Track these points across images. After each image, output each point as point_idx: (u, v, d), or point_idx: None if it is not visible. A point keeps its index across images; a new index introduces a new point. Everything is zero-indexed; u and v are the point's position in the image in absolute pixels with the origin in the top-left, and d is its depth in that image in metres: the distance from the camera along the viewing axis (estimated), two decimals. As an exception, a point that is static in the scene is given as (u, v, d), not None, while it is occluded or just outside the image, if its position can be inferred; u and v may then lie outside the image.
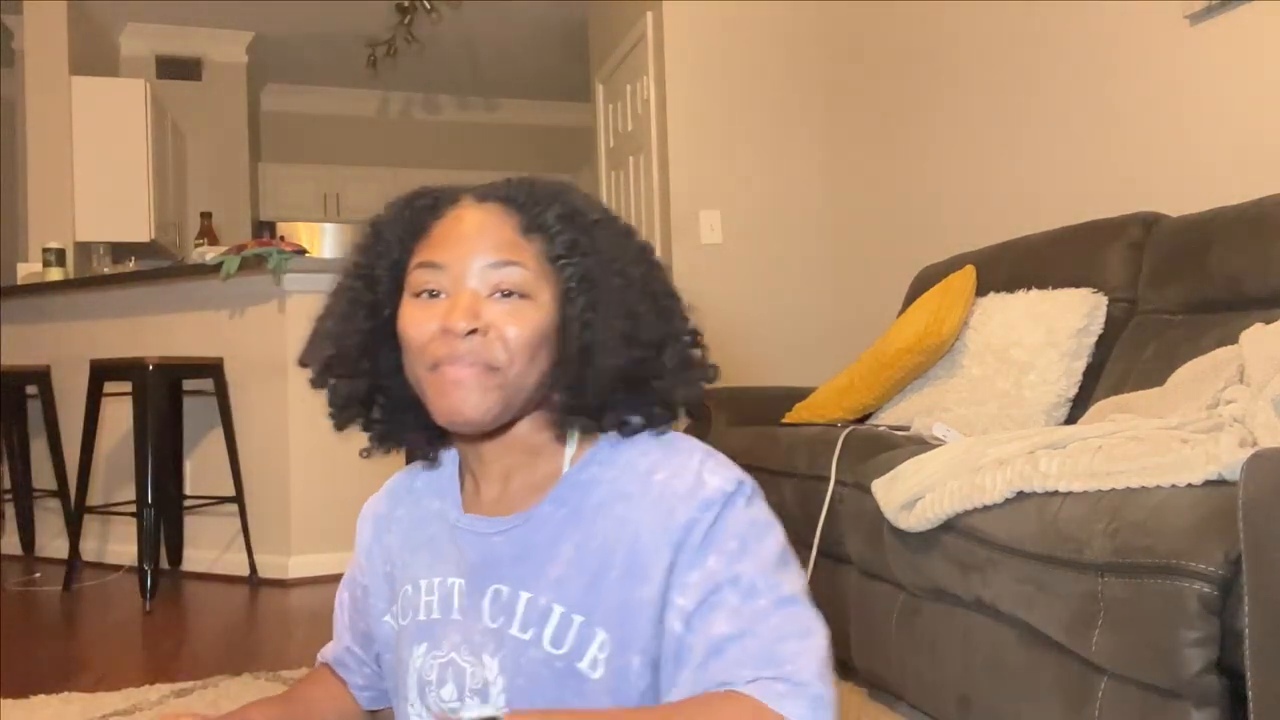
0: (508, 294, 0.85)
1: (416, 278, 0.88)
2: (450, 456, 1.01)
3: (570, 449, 0.92)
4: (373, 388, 0.93)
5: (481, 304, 0.85)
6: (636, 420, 0.90)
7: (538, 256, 0.87)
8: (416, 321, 0.86)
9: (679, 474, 0.87)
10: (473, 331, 0.84)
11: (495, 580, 0.90)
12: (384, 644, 1.03)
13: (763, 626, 0.81)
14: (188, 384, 3.65)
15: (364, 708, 1.13)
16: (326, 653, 1.16)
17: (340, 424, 0.97)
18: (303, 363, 0.95)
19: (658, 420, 0.91)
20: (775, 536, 0.87)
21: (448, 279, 0.86)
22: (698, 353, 0.93)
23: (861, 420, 2.48)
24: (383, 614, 1.02)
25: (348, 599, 1.11)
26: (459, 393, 0.85)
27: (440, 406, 0.86)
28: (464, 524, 0.94)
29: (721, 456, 0.91)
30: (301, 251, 3.60)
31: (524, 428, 0.91)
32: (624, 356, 0.86)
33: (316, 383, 0.95)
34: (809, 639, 0.82)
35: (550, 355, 0.88)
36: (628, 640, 0.85)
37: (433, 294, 0.86)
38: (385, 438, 0.97)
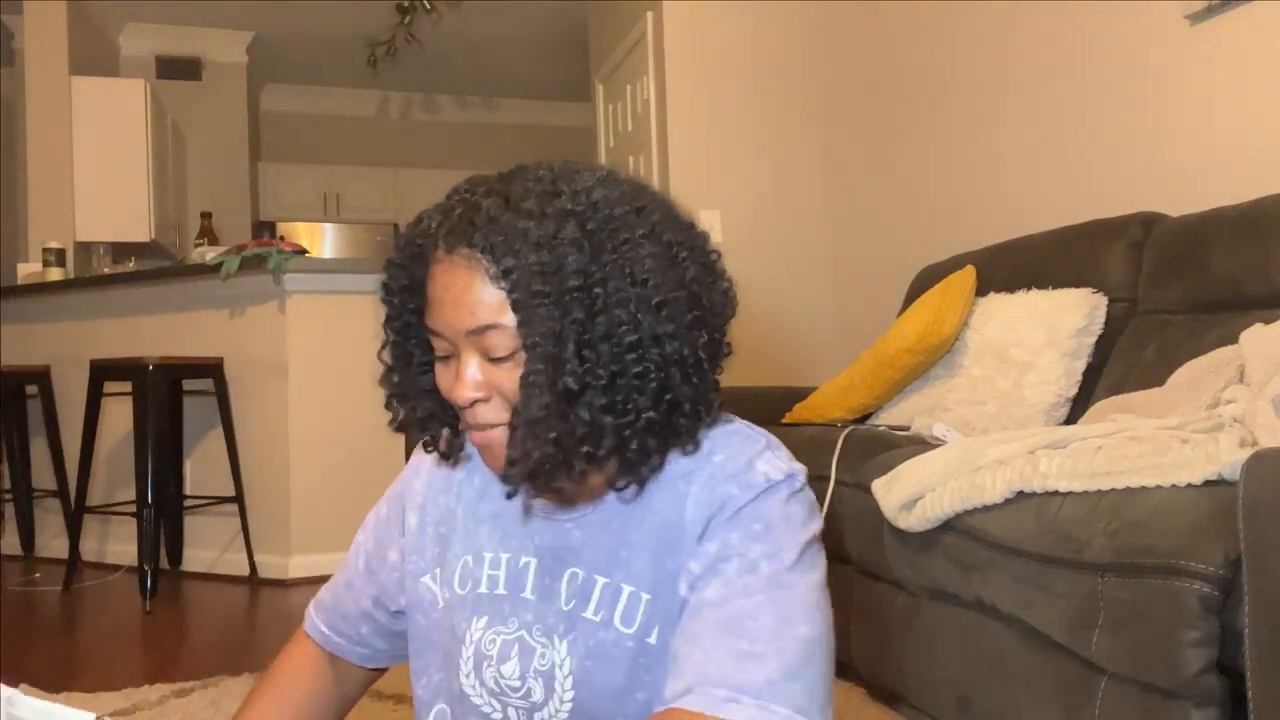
0: (496, 357, 0.81)
1: (431, 340, 0.86)
2: None
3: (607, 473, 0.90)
4: (447, 417, 0.92)
5: (484, 366, 0.82)
6: (670, 447, 0.86)
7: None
8: (441, 383, 0.86)
9: (734, 457, 0.87)
10: (477, 400, 0.82)
11: (571, 564, 0.90)
12: (416, 605, 0.99)
13: (740, 601, 0.81)
14: (188, 384, 3.65)
15: (366, 666, 1.10)
16: (321, 616, 1.10)
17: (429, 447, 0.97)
18: (392, 424, 0.94)
19: (685, 435, 0.86)
20: (805, 533, 0.86)
21: (448, 344, 0.84)
22: (705, 367, 0.84)
23: (861, 420, 2.48)
24: (423, 574, 0.99)
25: (377, 556, 1.05)
26: (489, 454, 0.85)
27: (485, 461, 0.87)
28: (537, 508, 0.92)
29: (783, 450, 0.90)
30: (301, 251, 3.60)
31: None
32: (545, 423, 0.79)
33: (394, 419, 0.94)
34: (787, 625, 0.80)
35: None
36: (670, 609, 0.86)
37: (445, 358, 0.85)
38: (460, 446, 0.96)
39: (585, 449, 0.80)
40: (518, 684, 0.91)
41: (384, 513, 1.06)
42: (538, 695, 0.90)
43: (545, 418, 0.78)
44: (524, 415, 0.79)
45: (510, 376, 0.81)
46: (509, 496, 0.85)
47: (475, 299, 0.79)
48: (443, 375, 0.86)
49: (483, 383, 0.82)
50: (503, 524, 0.95)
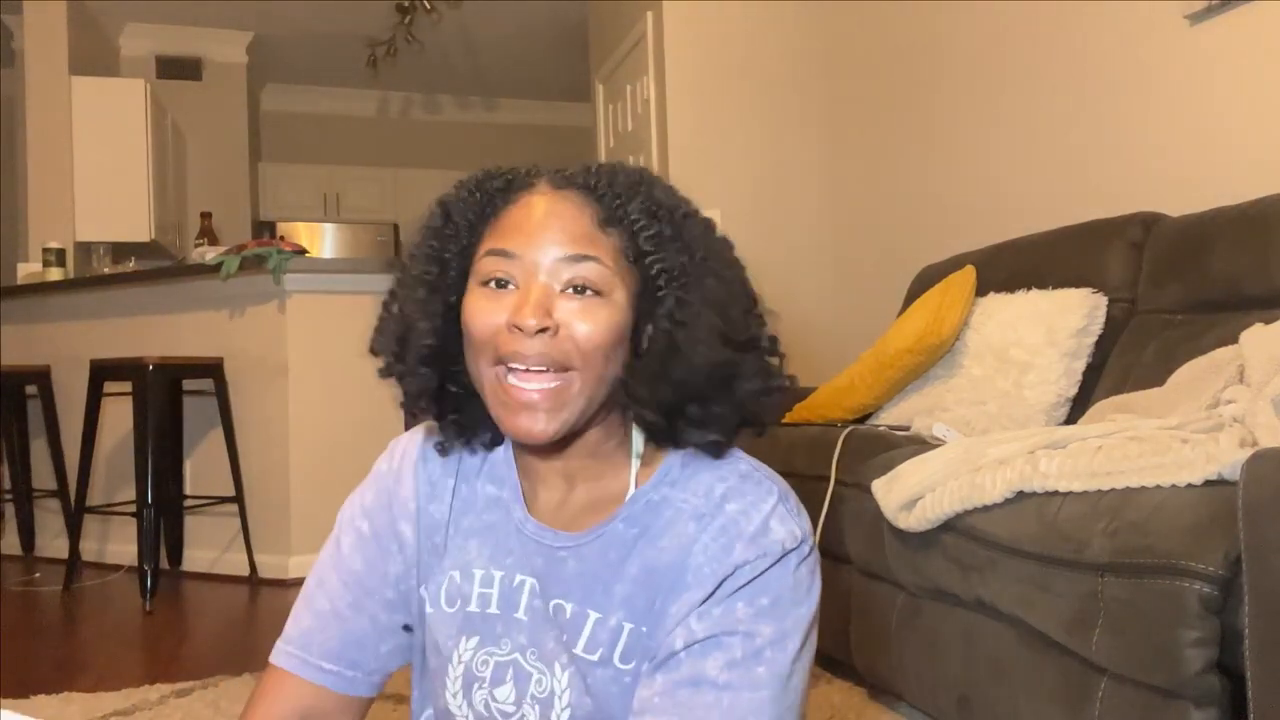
0: (581, 290, 0.80)
1: (485, 265, 0.82)
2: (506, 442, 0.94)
3: (635, 464, 0.88)
4: (445, 379, 0.87)
5: (553, 299, 0.80)
6: (709, 436, 0.85)
7: (615, 252, 0.81)
8: (483, 312, 0.81)
9: (749, 513, 0.84)
10: (543, 330, 0.78)
11: (557, 595, 0.87)
12: (415, 618, 0.94)
13: (746, 695, 0.80)
14: (188, 384, 3.65)
15: (371, 695, 0.97)
16: (317, 652, 0.94)
17: (414, 415, 0.92)
18: (372, 350, 0.90)
19: (729, 432, 0.87)
20: (809, 602, 0.85)
21: (518, 269, 0.80)
22: (775, 361, 0.88)
23: (861, 420, 2.48)
24: (418, 586, 0.94)
25: (376, 574, 0.94)
26: (527, 414, 0.80)
27: (507, 422, 0.82)
28: (529, 530, 0.89)
29: (793, 502, 0.88)
30: (301, 251, 3.60)
31: (594, 435, 0.87)
32: (717, 357, 0.82)
33: (385, 373, 0.89)
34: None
35: (622, 358, 0.83)
36: (654, 648, 0.85)
37: (501, 283, 0.81)
38: (462, 431, 0.91)
39: (710, 404, 0.84)
40: (511, 709, 0.88)
41: (366, 530, 0.95)
42: None
43: (708, 362, 0.81)
44: (686, 353, 0.81)
45: (584, 314, 0.80)
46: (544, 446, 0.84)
47: (581, 229, 0.81)
48: (486, 306, 0.81)
49: (551, 311, 0.79)
50: (494, 539, 0.91)
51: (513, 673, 0.88)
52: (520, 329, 0.79)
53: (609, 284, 0.81)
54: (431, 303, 0.86)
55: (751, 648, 0.81)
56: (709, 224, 0.88)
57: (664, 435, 0.86)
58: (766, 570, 0.82)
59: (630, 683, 0.85)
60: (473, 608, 0.90)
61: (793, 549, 0.84)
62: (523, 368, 0.80)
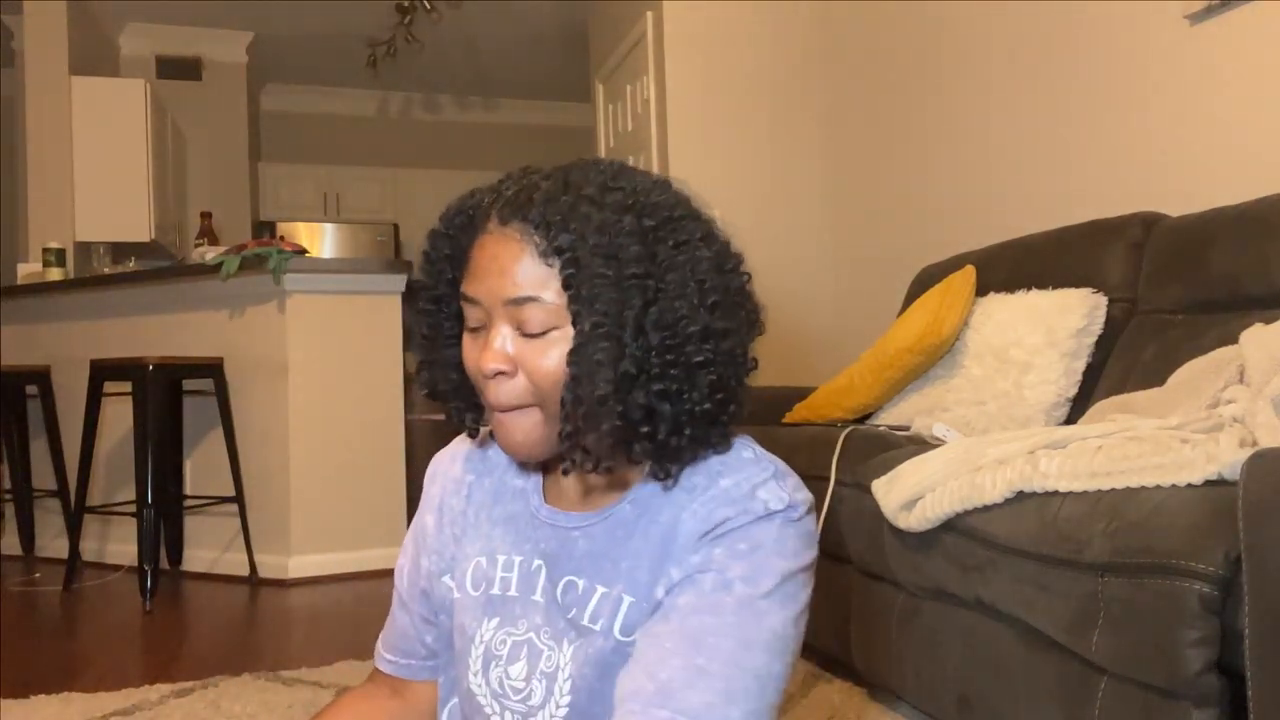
0: (530, 334, 0.83)
1: (464, 309, 0.87)
2: None
3: (645, 459, 0.89)
4: (469, 394, 0.93)
5: (514, 341, 0.84)
6: (670, 467, 0.86)
7: (559, 283, 0.82)
8: (468, 356, 0.88)
9: (740, 484, 0.87)
10: (502, 373, 0.84)
11: (569, 572, 0.91)
12: (440, 605, 1.02)
13: (709, 619, 0.82)
14: (188, 384, 3.65)
15: (437, 679, 1.07)
16: (385, 647, 1.09)
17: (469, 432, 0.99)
18: (427, 395, 0.97)
19: (695, 448, 0.87)
20: (792, 563, 0.85)
21: (483, 314, 0.85)
22: (731, 370, 0.85)
23: (861, 420, 2.48)
24: (441, 574, 1.01)
25: (415, 567, 1.05)
26: (503, 432, 0.87)
27: (499, 441, 0.88)
28: (544, 515, 0.94)
29: (792, 480, 0.89)
30: (301, 251, 3.60)
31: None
32: (605, 390, 0.80)
33: (447, 413, 0.97)
34: (746, 652, 0.81)
35: None
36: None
37: (476, 328, 0.86)
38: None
39: (645, 430, 0.82)
40: (521, 685, 0.92)
41: (413, 528, 1.07)
42: (537, 698, 0.91)
43: (607, 395, 0.80)
44: (586, 391, 0.80)
45: (538, 354, 0.83)
46: (542, 468, 0.90)
47: (521, 270, 0.82)
48: (470, 347, 0.87)
49: (509, 356, 0.84)
50: (515, 527, 0.97)
51: (526, 651, 0.92)
52: (484, 375, 0.84)
53: (555, 319, 0.82)
54: (439, 340, 0.93)
55: (721, 581, 0.83)
56: (670, 227, 0.84)
57: (674, 459, 0.87)
58: (749, 524, 0.85)
59: (631, 655, 0.87)
60: (495, 590, 0.95)
61: (779, 510, 0.85)
62: (497, 408, 0.86)
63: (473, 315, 0.86)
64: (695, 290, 0.82)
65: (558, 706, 0.90)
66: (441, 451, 1.07)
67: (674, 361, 0.82)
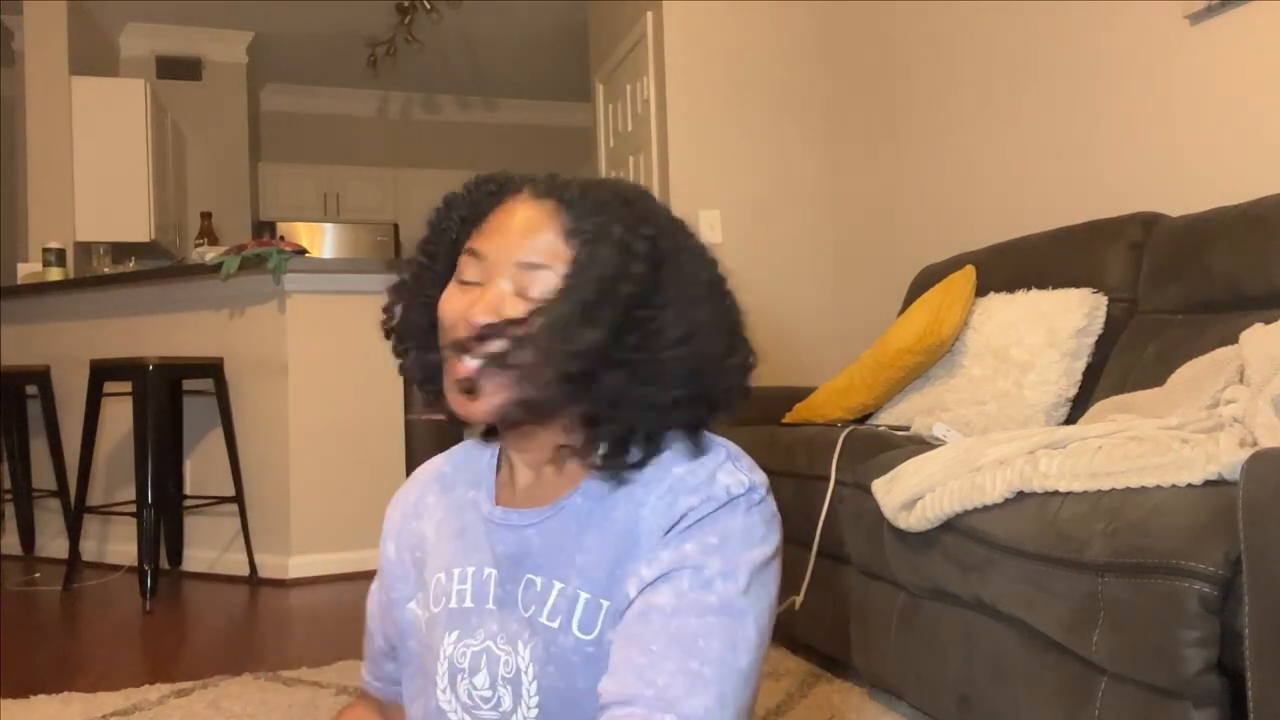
0: (529, 296, 0.85)
1: (461, 262, 0.90)
2: (493, 445, 1.01)
3: (602, 448, 0.91)
4: (430, 364, 0.94)
5: (507, 302, 0.86)
6: (636, 457, 0.88)
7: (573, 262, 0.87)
8: (449, 304, 0.89)
9: (695, 470, 0.87)
10: (486, 329, 0.85)
11: (528, 571, 0.92)
12: (407, 630, 1.02)
13: (694, 620, 0.82)
14: (188, 384, 3.65)
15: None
16: (365, 669, 1.14)
17: (429, 398, 0.98)
18: (384, 331, 0.98)
19: (655, 443, 0.89)
20: (761, 551, 0.86)
21: (485, 269, 0.87)
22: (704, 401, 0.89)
23: (861, 420, 2.48)
24: (407, 600, 1.02)
25: (379, 594, 1.09)
26: (467, 395, 0.87)
27: (450, 397, 0.89)
28: (496, 517, 0.95)
29: (746, 461, 0.91)
30: (301, 251, 3.60)
31: (550, 432, 0.91)
32: (564, 369, 0.83)
33: (395, 352, 0.98)
34: (733, 654, 0.82)
35: None
36: (618, 613, 0.86)
37: (470, 281, 0.88)
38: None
39: (611, 413, 0.85)
40: (489, 694, 0.92)
41: (380, 556, 1.08)
42: (507, 704, 0.91)
43: (575, 351, 0.82)
44: (555, 338, 0.82)
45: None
46: (484, 434, 0.93)
47: (542, 239, 0.86)
48: (454, 299, 0.89)
49: (500, 313, 0.85)
50: (469, 537, 0.97)
51: (485, 659, 0.93)
52: (471, 323, 0.86)
53: (553, 293, 0.85)
54: (420, 291, 0.94)
55: (700, 579, 0.83)
56: (678, 250, 0.90)
57: (616, 444, 0.88)
58: (713, 512, 0.85)
59: (594, 653, 0.87)
60: (453, 604, 0.96)
61: (740, 494, 0.87)
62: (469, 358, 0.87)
63: (470, 270, 0.88)
64: (687, 307, 0.87)
65: (529, 709, 0.90)
66: (399, 490, 1.09)
67: (653, 359, 0.85)
